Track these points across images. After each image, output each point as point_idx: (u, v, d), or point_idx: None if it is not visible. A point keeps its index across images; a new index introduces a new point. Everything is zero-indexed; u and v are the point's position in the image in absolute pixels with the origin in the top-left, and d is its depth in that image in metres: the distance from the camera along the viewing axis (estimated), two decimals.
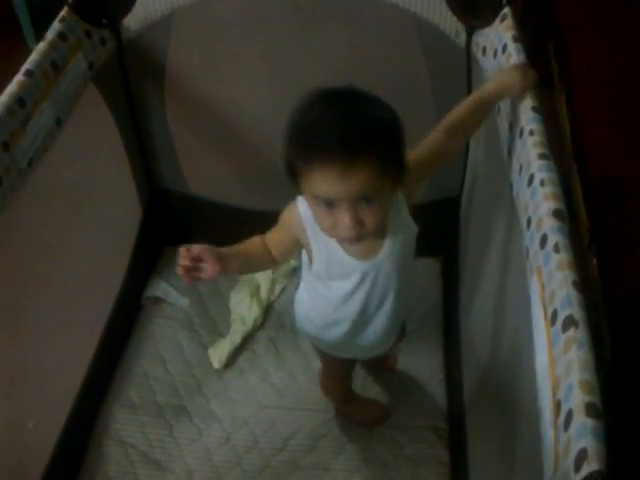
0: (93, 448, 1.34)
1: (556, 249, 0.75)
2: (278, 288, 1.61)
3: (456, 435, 1.29)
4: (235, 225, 1.68)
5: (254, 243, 1.05)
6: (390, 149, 0.86)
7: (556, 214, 0.79)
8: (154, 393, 1.43)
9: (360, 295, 1.03)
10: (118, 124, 1.49)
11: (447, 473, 1.27)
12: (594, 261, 1.37)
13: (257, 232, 1.64)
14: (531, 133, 0.91)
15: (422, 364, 1.44)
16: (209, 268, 0.93)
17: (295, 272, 1.60)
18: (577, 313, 0.67)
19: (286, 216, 1.03)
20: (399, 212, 0.99)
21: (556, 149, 0.96)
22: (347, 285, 1.02)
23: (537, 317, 0.76)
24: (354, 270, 1.00)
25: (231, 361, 1.47)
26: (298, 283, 1.55)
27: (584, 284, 0.73)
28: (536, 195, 0.84)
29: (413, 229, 1.04)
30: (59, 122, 1.17)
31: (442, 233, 1.63)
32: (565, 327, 0.67)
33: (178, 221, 1.73)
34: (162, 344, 1.51)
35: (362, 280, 1.01)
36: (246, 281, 1.61)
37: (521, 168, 0.92)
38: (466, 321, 1.38)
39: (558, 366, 0.66)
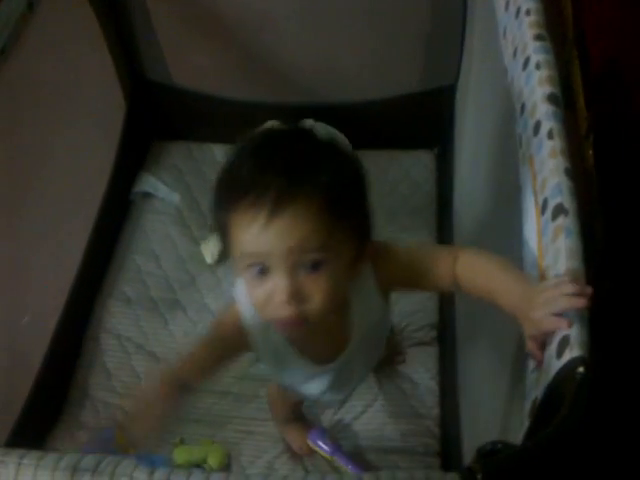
0: (89, 342, 1.36)
1: (550, 135, 0.72)
2: None
3: (448, 336, 1.30)
4: (224, 117, 1.64)
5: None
6: (342, 197, 0.68)
7: (551, 99, 0.75)
8: (148, 288, 1.44)
9: (323, 383, 0.89)
10: (94, 7, 1.41)
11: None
12: (590, 152, 1.34)
13: (247, 125, 1.64)
14: (527, 13, 0.86)
15: None
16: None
17: None
18: (567, 201, 0.65)
19: (223, 323, 0.84)
20: (365, 285, 0.78)
21: (556, 34, 0.91)
22: (304, 387, 0.90)
23: (528, 208, 0.74)
24: (311, 377, 0.87)
25: (223, 256, 1.47)
26: None
27: (579, 175, 0.71)
28: (531, 79, 0.80)
29: (384, 309, 0.83)
30: (30, 6, 1.11)
31: (436, 124, 1.60)
32: (554, 215, 0.65)
33: (166, 115, 1.68)
34: (154, 239, 1.51)
35: (322, 381, 0.88)
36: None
37: (516, 50, 0.87)
38: (460, 214, 1.37)
39: (547, 256, 0.65)
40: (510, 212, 0.84)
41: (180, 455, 1.18)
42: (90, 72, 1.49)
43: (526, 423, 0.55)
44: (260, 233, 0.65)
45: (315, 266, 0.67)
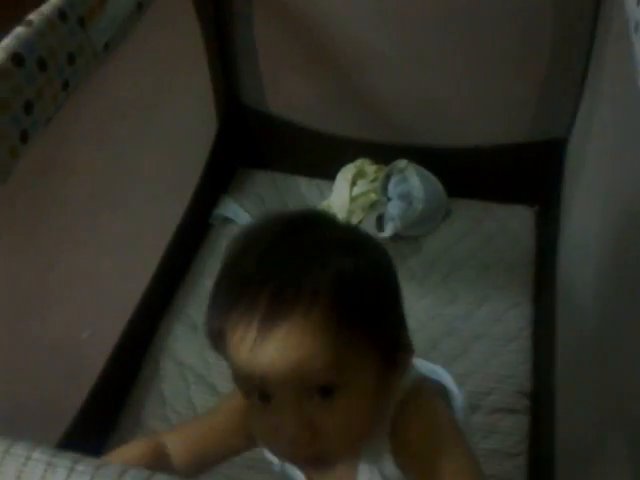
0: (149, 364, 1.27)
1: None
2: (355, 220, 1.49)
3: (543, 403, 1.16)
4: (314, 150, 1.58)
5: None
6: (357, 301, 0.54)
7: None
8: None
9: None
10: (202, 27, 1.38)
11: None
12: None
13: (337, 160, 1.57)
14: None
15: (509, 317, 1.30)
16: None
17: (375, 206, 1.48)
18: None
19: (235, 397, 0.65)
20: (375, 443, 0.62)
21: None
22: None
23: None
24: None
25: None
26: (379, 216, 1.44)
27: None
28: None
29: (387, 458, 0.63)
30: (140, 6, 1.07)
31: (541, 179, 1.48)
32: None
33: (255, 141, 1.63)
34: None
35: None
36: (322, 209, 1.50)
37: None
38: (566, 276, 1.24)
39: None
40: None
41: None
42: (186, 88, 1.46)
43: None
44: (252, 351, 0.51)
45: (325, 392, 0.53)
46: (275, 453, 0.60)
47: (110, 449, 1.15)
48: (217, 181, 1.58)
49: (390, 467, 0.62)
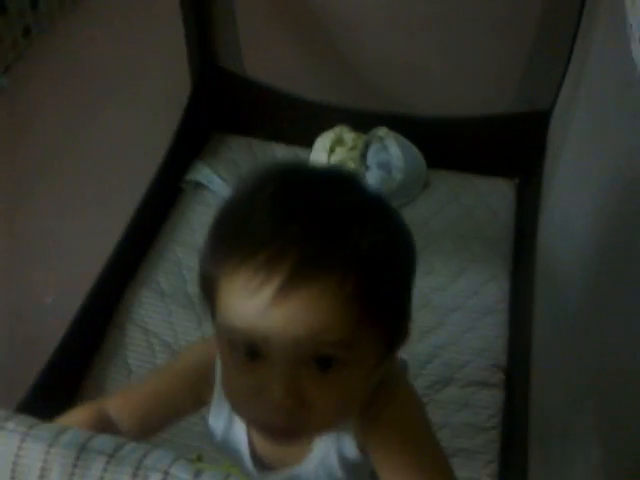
0: (114, 331, 1.22)
1: None
2: None
3: (518, 377, 1.14)
4: (293, 117, 1.53)
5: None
6: (381, 282, 0.50)
7: None
8: (185, 282, 1.30)
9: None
10: None
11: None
12: None
13: (315, 127, 1.52)
14: None
15: (486, 290, 1.27)
16: None
17: (363, 159, 1.43)
18: None
19: (196, 353, 0.66)
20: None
21: None
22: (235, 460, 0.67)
23: None
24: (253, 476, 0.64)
25: None
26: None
27: None
28: None
29: (348, 437, 0.59)
30: None
31: (522, 152, 1.45)
32: None
33: (231, 106, 1.57)
34: (199, 232, 1.38)
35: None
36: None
37: None
38: (545, 250, 1.21)
39: None
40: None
41: None
42: (159, 46, 1.39)
43: None
44: (262, 310, 0.47)
45: (324, 364, 0.49)
46: (244, 414, 0.55)
47: None
48: (190, 145, 1.53)
49: (350, 446, 0.59)
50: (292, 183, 0.53)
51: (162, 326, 1.23)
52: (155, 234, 1.38)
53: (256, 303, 0.47)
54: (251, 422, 0.56)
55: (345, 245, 0.48)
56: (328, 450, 0.60)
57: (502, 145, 1.46)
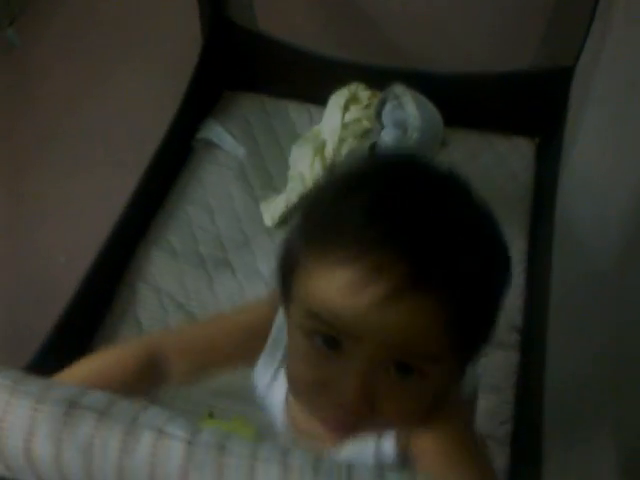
0: (124, 288, 1.22)
1: None
2: (345, 148, 1.41)
3: (535, 339, 1.12)
4: (307, 74, 1.49)
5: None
6: (483, 304, 0.50)
7: None
8: (197, 242, 1.29)
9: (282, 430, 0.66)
10: None
11: None
12: None
13: (330, 85, 1.48)
14: None
15: None
16: None
17: (367, 134, 1.40)
18: None
19: (254, 311, 0.65)
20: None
21: None
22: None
23: None
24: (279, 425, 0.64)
25: (283, 220, 1.31)
26: (372, 145, 1.37)
27: None
28: None
29: (390, 435, 0.58)
30: None
31: (544, 110, 1.41)
32: None
33: (243, 62, 1.53)
34: (211, 192, 1.36)
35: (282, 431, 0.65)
36: (310, 136, 1.42)
37: None
38: (564, 211, 1.18)
39: None
40: None
41: None
42: (172, 5, 1.36)
43: None
44: (363, 310, 0.46)
45: (405, 370, 0.48)
46: (304, 401, 0.54)
47: None
48: (201, 103, 1.49)
49: (390, 447, 0.58)
50: (403, 183, 0.50)
51: (173, 285, 1.22)
52: (166, 193, 1.37)
53: (358, 302, 0.46)
54: (308, 403, 0.54)
55: (457, 264, 0.47)
56: (367, 444, 0.58)
57: (522, 103, 1.42)
